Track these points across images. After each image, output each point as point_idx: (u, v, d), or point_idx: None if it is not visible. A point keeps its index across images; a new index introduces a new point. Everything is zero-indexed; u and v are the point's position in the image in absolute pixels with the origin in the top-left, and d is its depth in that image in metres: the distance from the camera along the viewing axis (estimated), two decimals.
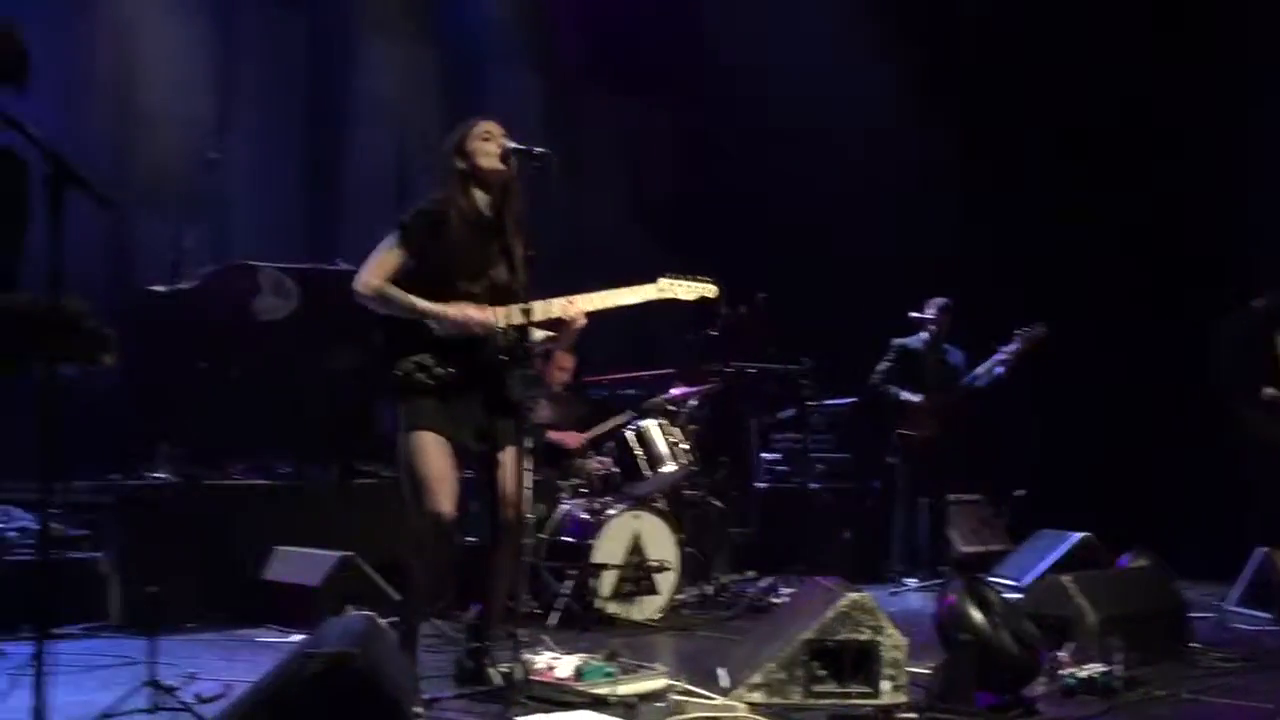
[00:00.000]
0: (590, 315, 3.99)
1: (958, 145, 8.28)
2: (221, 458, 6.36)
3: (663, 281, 4.16)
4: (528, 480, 3.90)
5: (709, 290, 4.26)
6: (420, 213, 3.87)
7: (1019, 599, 4.91)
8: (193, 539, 5.56)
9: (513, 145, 3.85)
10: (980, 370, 7.20)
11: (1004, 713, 3.75)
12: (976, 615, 3.78)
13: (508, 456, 3.84)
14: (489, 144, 3.85)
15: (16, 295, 2.63)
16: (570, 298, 3.90)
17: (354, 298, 3.85)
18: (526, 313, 3.75)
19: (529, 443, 3.93)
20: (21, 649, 4.64)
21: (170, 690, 3.55)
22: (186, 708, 3.50)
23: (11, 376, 2.78)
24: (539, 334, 3.96)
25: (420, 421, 3.74)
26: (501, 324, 3.80)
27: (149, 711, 3.50)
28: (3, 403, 3.38)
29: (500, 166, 3.86)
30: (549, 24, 8.96)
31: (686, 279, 4.21)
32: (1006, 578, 6.53)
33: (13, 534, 5.29)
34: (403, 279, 3.82)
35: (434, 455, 3.74)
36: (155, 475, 5.91)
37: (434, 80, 8.59)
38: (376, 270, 3.81)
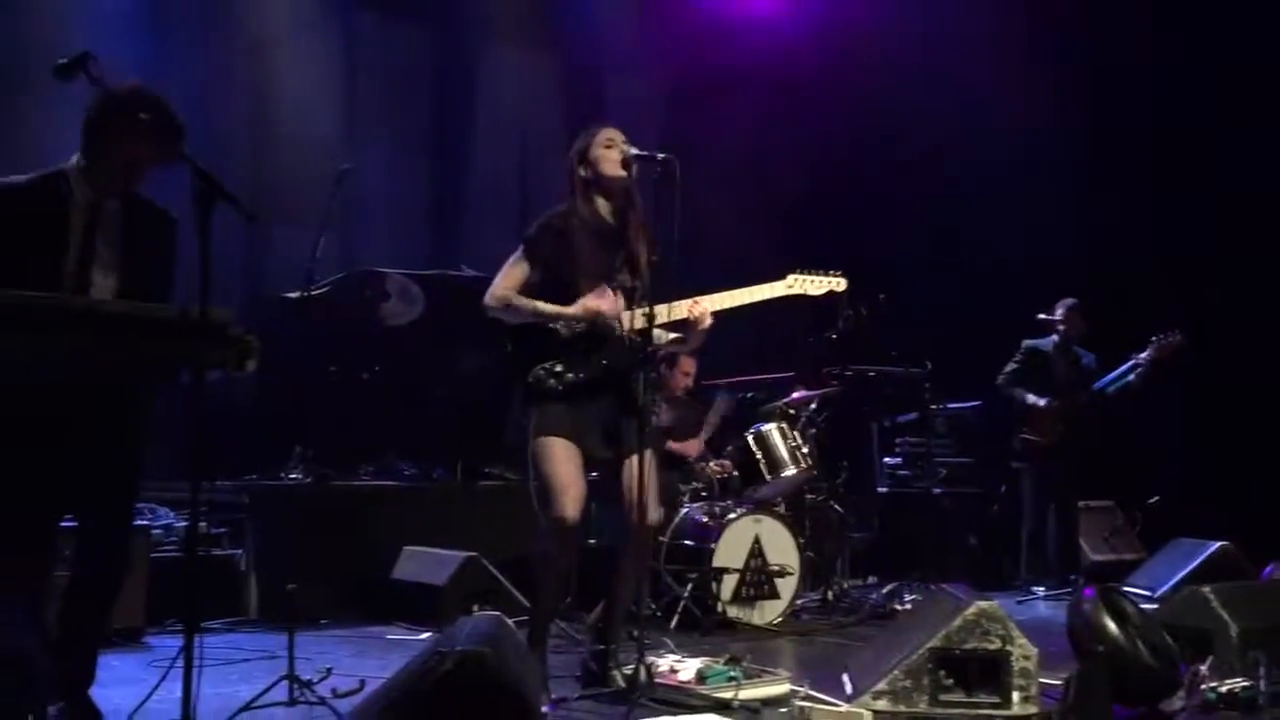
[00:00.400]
0: (713, 318, 3.99)
1: (1092, 143, 8.03)
2: (352, 459, 6.55)
3: (792, 277, 4.14)
4: (653, 484, 3.91)
5: (838, 284, 4.21)
6: (543, 226, 3.94)
7: (1154, 610, 4.75)
8: (325, 538, 5.75)
9: (634, 151, 3.88)
10: (1111, 376, 6.98)
11: None
12: (1112, 626, 3.67)
13: (634, 461, 3.87)
14: (611, 151, 3.89)
15: (169, 306, 2.76)
16: (696, 298, 3.91)
17: (485, 313, 3.93)
18: (650, 316, 3.77)
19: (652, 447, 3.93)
20: (167, 642, 4.90)
21: (308, 684, 3.68)
22: (323, 701, 3.62)
23: (166, 383, 2.92)
24: (664, 336, 3.97)
25: (549, 427, 3.80)
26: (626, 327, 3.83)
27: (288, 704, 3.64)
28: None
29: (622, 173, 3.90)
30: (669, 28, 9.00)
31: (816, 274, 4.18)
32: (1140, 588, 6.32)
33: (158, 531, 5.53)
34: (530, 290, 3.90)
35: (561, 461, 3.79)
36: (290, 476, 6.12)
37: (555, 87, 8.71)
38: (503, 283, 3.91)
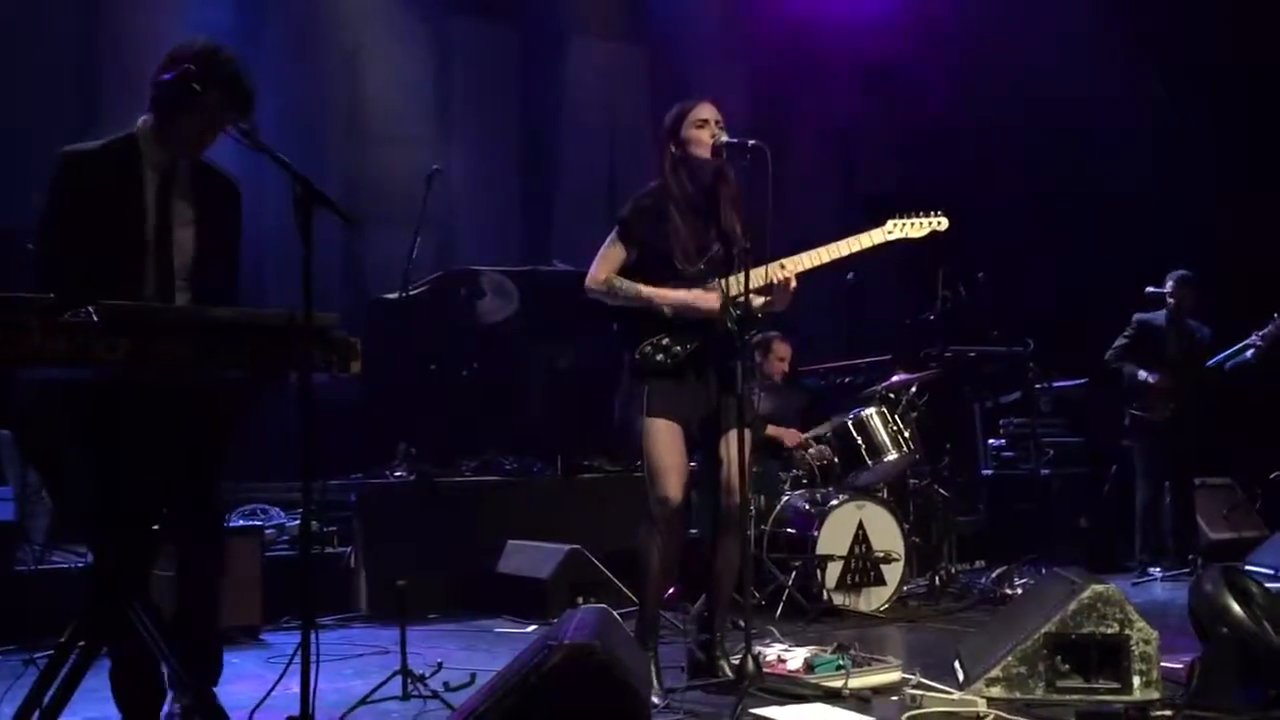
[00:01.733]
0: (802, 299, 3.96)
1: (1203, 116, 7.76)
2: (453, 456, 6.65)
3: (891, 223, 4.06)
4: (744, 467, 3.88)
5: (940, 224, 4.10)
6: (636, 205, 3.94)
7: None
8: (429, 534, 5.85)
9: (724, 139, 3.85)
10: (1229, 353, 6.74)
11: (1268, 711, 3.49)
12: (1236, 608, 3.53)
13: (730, 442, 3.85)
14: (703, 132, 3.86)
15: (278, 311, 2.81)
16: (780, 260, 3.87)
17: (586, 295, 3.94)
18: (746, 305, 3.74)
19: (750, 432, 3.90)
20: (283, 639, 5.02)
21: (421, 679, 3.74)
22: (436, 695, 3.67)
23: (274, 385, 2.98)
24: (757, 301, 3.92)
25: (655, 408, 3.80)
26: (720, 305, 3.81)
27: (402, 699, 3.70)
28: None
29: (710, 158, 3.87)
30: (757, 17, 8.94)
31: (916, 216, 4.09)
32: (1263, 566, 6.10)
33: (271, 531, 5.69)
34: (628, 269, 3.91)
35: (666, 443, 3.80)
36: (394, 474, 6.23)
37: (643, 79, 8.71)
38: (602, 266, 3.92)
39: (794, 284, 3.89)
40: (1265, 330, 6.61)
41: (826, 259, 3.93)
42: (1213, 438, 6.91)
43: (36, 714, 2.77)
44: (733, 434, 3.85)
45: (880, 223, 4.04)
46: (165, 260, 3.10)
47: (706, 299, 3.84)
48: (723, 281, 3.86)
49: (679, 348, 3.84)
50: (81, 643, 2.83)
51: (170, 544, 3.16)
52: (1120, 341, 7.01)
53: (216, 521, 3.28)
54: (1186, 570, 6.47)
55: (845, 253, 3.96)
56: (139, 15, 6.75)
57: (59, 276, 2.88)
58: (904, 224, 4.06)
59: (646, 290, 3.84)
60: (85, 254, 2.97)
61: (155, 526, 3.04)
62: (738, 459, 3.81)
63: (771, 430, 6.25)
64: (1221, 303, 6.92)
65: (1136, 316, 7.01)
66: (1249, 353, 6.66)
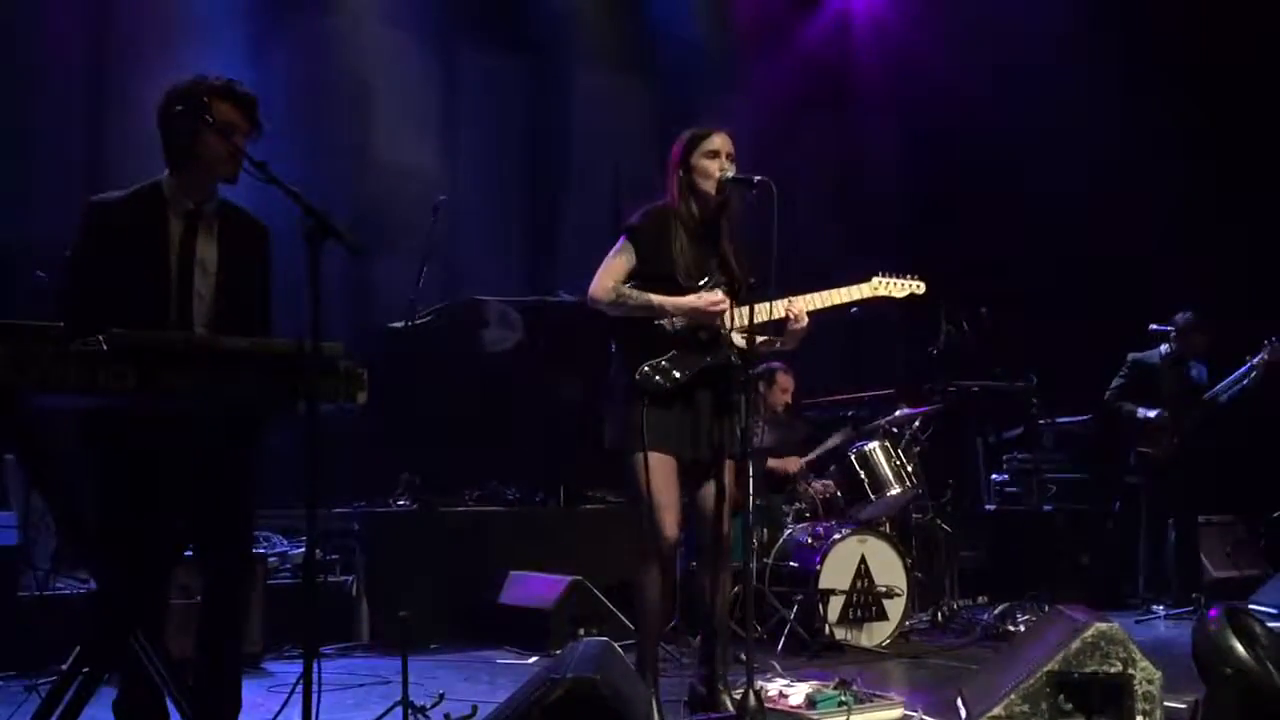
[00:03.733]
0: (809, 333, 3.99)
1: (1199, 149, 7.80)
2: (456, 485, 6.65)
3: (876, 280, 4.21)
4: (748, 500, 3.88)
5: (918, 287, 4.29)
6: (645, 216, 3.96)
7: None
8: (432, 563, 5.84)
9: (730, 175, 3.88)
10: (1226, 383, 6.74)
11: None
12: (1240, 647, 3.52)
13: (721, 473, 3.85)
14: (712, 164, 3.89)
15: (285, 341, 2.84)
16: (789, 298, 3.91)
17: (589, 305, 3.94)
18: (750, 331, 3.76)
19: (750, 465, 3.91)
20: (284, 667, 5.01)
21: (422, 710, 3.72)
22: None
23: (282, 415, 3.00)
24: (760, 338, 3.94)
25: (652, 440, 3.78)
26: (728, 326, 3.83)
27: None
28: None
29: (714, 193, 3.90)
30: (759, 48, 9.01)
31: (899, 277, 4.25)
32: (1267, 605, 6.08)
33: (273, 559, 5.68)
34: (630, 281, 3.91)
35: (663, 477, 3.80)
36: (397, 503, 6.23)
37: (648, 110, 8.76)
38: (608, 275, 3.91)
39: (805, 323, 3.92)
40: (1260, 356, 6.61)
41: (819, 305, 4.01)
42: (1216, 474, 6.90)
43: None
44: (724, 465, 3.86)
45: (869, 276, 4.21)
46: (186, 307, 3.14)
47: (714, 301, 3.83)
48: (727, 315, 3.88)
49: (678, 372, 3.84)
50: (85, 670, 2.83)
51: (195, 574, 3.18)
52: (1117, 381, 7.03)
53: (242, 554, 3.29)
54: (1190, 608, 6.44)
55: (834, 302, 4.07)
56: (147, 49, 6.81)
57: (77, 314, 2.91)
58: (888, 283, 4.23)
59: (657, 298, 3.84)
60: (106, 298, 3.00)
61: (168, 555, 3.07)
62: (726, 490, 3.82)
63: (773, 463, 6.26)
64: (1218, 340, 6.92)
65: (1131, 356, 7.03)
66: (1246, 381, 6.66)
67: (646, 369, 3.82)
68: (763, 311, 3.84)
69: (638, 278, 3.90)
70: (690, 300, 3.84)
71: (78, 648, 2.90)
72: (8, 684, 4.51)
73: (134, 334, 2.69)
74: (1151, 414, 6.82)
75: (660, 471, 3.79)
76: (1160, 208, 7.92)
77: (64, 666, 2.86)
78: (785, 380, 6.36)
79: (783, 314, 3.89)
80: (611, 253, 3.96)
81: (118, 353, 2.62)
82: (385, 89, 7.75)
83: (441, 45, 8.06)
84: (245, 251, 3.27)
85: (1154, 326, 6.96)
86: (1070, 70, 8.23)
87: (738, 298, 3.89)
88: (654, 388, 3.81)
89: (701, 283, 3.89)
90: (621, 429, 3.85)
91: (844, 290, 4.09)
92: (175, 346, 2.80)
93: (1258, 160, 7.62)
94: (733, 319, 3.85)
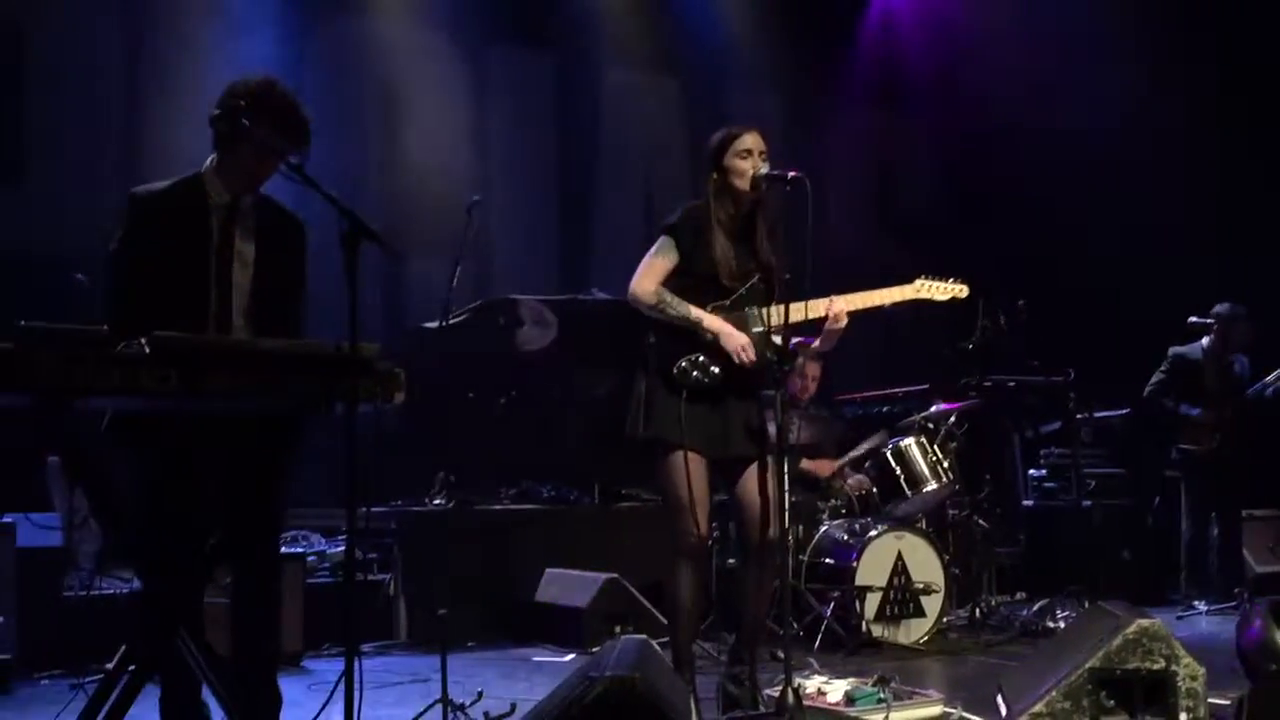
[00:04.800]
0: (846, 325, 3.98)
1: (1243, 139, 7.70)
2: (491, 484, 6.67)
3: (919, 282, 4.15)
4: (783, 497, 3.87)
5: (961, 291, 4.23)
6: (685, 215, 3.95)
7: None
8: (468, 561, 5.87)
9: (765, 170, 3.87)
10: (1272, 378, 6.65)
11: None
12: None
13: (759, 473, 3.85)
14: (745, 163, 3.88)
15: (323, 342, 2.86)
16: (830, 297, 3.89)
17: (629, 303, 3.93)
18: (785, 329, 3.77)
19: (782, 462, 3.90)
20: (324, 665, 5.05)
21: (461, 708, 3.75)
22: None
23: (320, 415, 3.02)
24: (793, 339, 3.92)
25: (686, 438, 3.78)
26: (756, 357, 3.81)
27: None
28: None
29: (749, 191, 3.89)
30: (790, 44, 8.98)
31: (941, 280, 4.20)
32: None
33: (312, 558, 5.73)
34: (670, 280, 3.90)
35: (695, 475, 3.79)
36: (433, 502, 6.27)
37: (678, 108, 8.76)
38: (650, 275, 3.89)
39: (844, 323, 3.90)
40: None
41: (861, 305, 3.98)
42: (1260, 468, 6.81)
43: None
44: (765, 465, 3.85)
45: (911, 275, 4.17)
46: (225, 299, 3.16)
47: (742, 346, 3.79)
48: (762, 312, 3.87)
49: (715, 369, 3.83)
50: (130, 669, 2.87)
51: (229, 573, 3.21)
52: (1158, 377, 6.95)
53: (273, 553, 3.32)
54: (1232, 604, 6.37)
55: (876, 303, 4.03)
56: (181, 54, 6.88)
57: (123, 312, 2.95)
58: (930, 285, 4.18)
59: (695, 313, 3.83)
60: (148, 292, 3.04)
61: (206, 555, 3.10)
62: (772, 491, 3.80)
63: (806, 464, 6.23)
64: (1261, 333, 6.83)
65: (1173, 350, 6.94)
66: (1269, 390, 6.60)
67: (684, 364, 3.82)
68: (801, 311, 3.82)
69: (679, 276, 3.90)
70: (726, 329, 3.82)
71: (123, 647, 2.93)
72: (54, 683, 4.59)
73: (176, 337, 2.72)
74: (1194, 411, 6.74)
75: (693, 469, 3.78)
76: (1200, 200, 7.83)
77: (109, 666, 2.90)
78: (812, 368, 6.30)
79: (823, 313, 3.87)
80: (652, 251, 3.95)
81: (160, 355, 2.65)
82: (416, 89, 7.80)
83: (471, 45, 8.09)
84: (282, 245, 3.29)
85: (1193, 319, 6.87)
86: (1109, 68, 8.15)
87: (774, 296, 3.88)
88: (692, 383, 3.81)
89: (738, 284, 3.88)
90: (655, 420, 3.82)
91: (886, 291, 4.06)
92: (216, 349, 2.83)
93: None
94: (770, 318, 3.84)
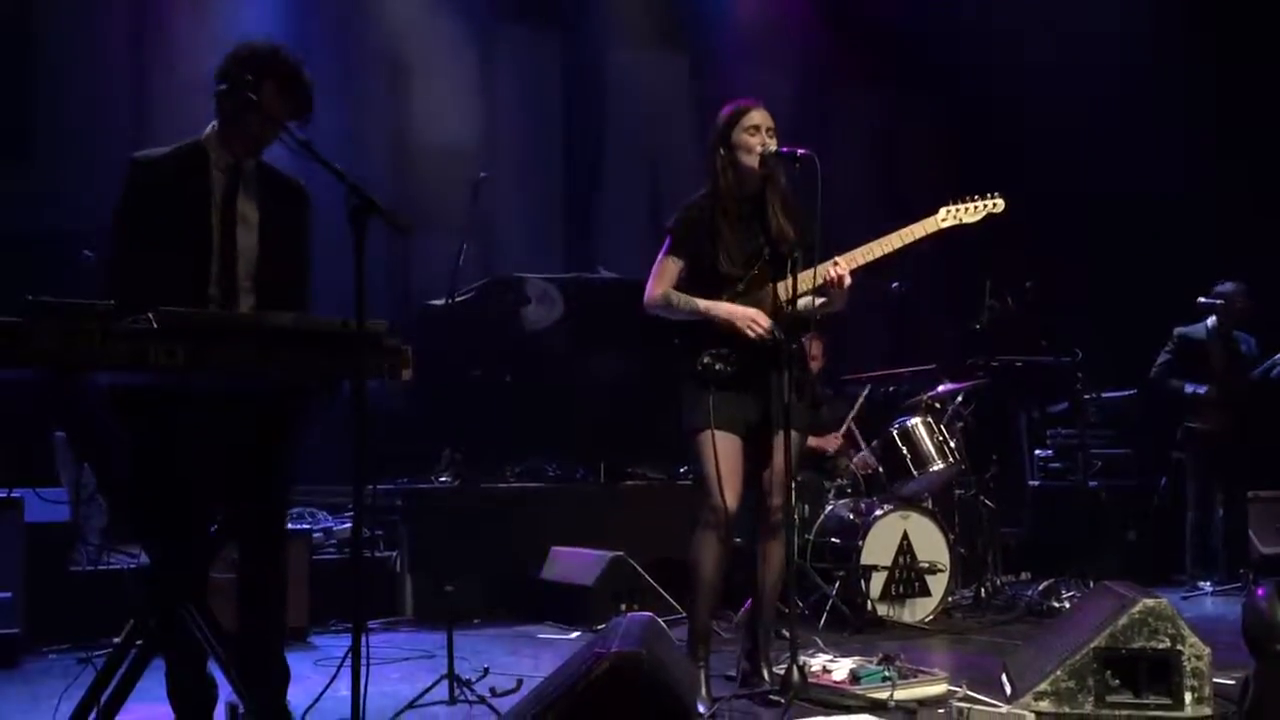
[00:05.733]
0: (849, 305, 3.95)
1: (1249, 116, 7.65)
2: (497, 461, 6.68)
3: (944, 210, 3.98)
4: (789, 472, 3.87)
5: (996, 205, 4.02)
6: (685, 215, 3.94)
7: None
8: (474, 539, 5.88)
9: (772, 149, 3.85)
10: (1275, 359, 6.62)
11: None
12: None
13: (777, 447, 3.85)
14: (753, 139, 3.85)
15: (331, 318, 2.85)
16: (835, 258, 3.84)
17: (646, 312, 3.96)
18: (793, 291, 3.74)
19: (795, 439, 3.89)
20: (330, 641, 5.07)
21: (468, 684, 3.76)
22: (483, 700, 3.70)
23: (328, 391, 3.02)
24: (811, 303, 3.90)
25: (715, 420, 3.79)
26: (769, 324, 3.80)
27: (449, 703, 3.73)
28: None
29: (756, 168, 3.87)
30: (796, 22, 8.93)
31: (969, 201, 4.01)
32: None
33: (318, 535, 5.74)
34: (680, 280, 3.92)
35: (725, 452, 3.80)
36: (439, 479, 6.28)
37: (685, 85, 8.72)
38: (659, 282, 3.93)
39: (849, 281, 3.84)
40: None
41: (879, 253, 3.87)
42: (1265, 449, 6.80)
43: (94, 713, 2.82)
44: (779, 439, 3.85)
45: (934, 209, 3.95)
46: (230, 262, 3.14)
47: (751, 319, 3.79)
48: (777, 288, 3.86)
49: (737, 357, 3.85)
50: (138, 643, 2.88)
51: (234, 548, 3.21)
52: (1163, 358, 6.93)
53: (278, 528, 3.33)
54: (1238, 584, 6.38)
55: (899, 245, 3.88)
56: (186, 25, 6.86)
57: (125, 279, 2.94)
58: (958, 210, 3.97)
59: (703, 304, 3.85)
60: (152, 257, 3.03)
61: (212, 530, 3.10)
62: (782, 464, 3.82)
63: (813, 441, 6.22)
64: (1264, 311, 6.80)
65: (1177, 331, 6.93)
66: (1275, 371, 6.56)
67: (707, 359, 3.86)
68: (808, 280, 3.78)
69: (686, 274, 3.92)
70: (736, 312, 3.82)
71: (131, 621, 2.94)
72: (61, 657, 4.61)
73: (183, 312, 2.72)
74: (1201, 390, 6.73)
75: (723, 446, 3.80)
76: (1205, 180, 7.79)
77: (117, 640, 2.91)
78: (814, 346, 6.28)
79: (833, 276, 3.79)
80: (659, 257, 3.98)
81: (167, 330, 2.65)
82: (421, 66, 7.77)
83: (477, 22, 8.05)
84: (285, 211, 3.27)
85: (1201, 300, 6.84)
86: (1115, 41, 8.11)
87: (786, 270, 3.83)
88: (716, 376, 3.85)
89: (742, 271, 3.87)
90: (689, 412, 3.88)
91: (910, 230, 3.88)
92: (223, 324, 2.83)
93: None
94: (783, 292, 3.83)
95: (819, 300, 3.90)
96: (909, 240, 3.89)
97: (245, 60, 3.10)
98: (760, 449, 3.93)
